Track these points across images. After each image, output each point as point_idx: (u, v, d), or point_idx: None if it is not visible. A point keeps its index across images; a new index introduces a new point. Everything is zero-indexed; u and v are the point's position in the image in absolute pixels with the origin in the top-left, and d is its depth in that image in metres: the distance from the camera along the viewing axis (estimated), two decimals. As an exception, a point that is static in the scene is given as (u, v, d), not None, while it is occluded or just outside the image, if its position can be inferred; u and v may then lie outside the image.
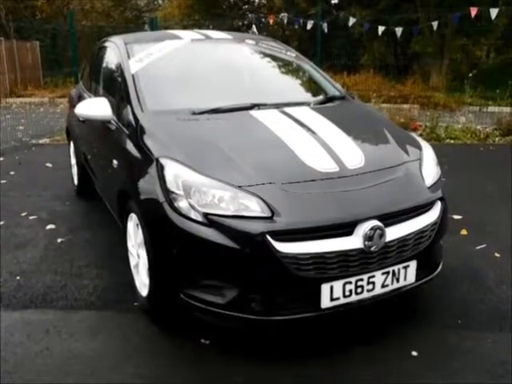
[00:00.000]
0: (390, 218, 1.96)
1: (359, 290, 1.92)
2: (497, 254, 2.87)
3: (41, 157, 5.63)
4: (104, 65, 3.33)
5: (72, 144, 4.16)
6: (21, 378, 1.88)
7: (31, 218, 3.58)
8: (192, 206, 1.90)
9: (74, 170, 4.14)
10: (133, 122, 2.44)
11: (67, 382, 1.85)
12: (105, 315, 2.30)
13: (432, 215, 2.11)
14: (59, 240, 3.17)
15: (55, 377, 1.88)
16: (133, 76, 2.65)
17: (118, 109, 2.63)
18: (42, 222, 3.48)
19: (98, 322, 2.24)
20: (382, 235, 1.89)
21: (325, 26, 9.92)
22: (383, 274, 1.96)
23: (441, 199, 2.18)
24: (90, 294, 2.49)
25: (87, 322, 2.24)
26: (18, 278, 2.67)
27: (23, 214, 3.64)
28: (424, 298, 2.40)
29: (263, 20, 14.40)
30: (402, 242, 1.98)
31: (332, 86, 3.06)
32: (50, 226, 3.40)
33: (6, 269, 2.78)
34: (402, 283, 2.02)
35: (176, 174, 1.99)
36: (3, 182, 4.57)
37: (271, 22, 12.34)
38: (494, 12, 8.83)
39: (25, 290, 2.53)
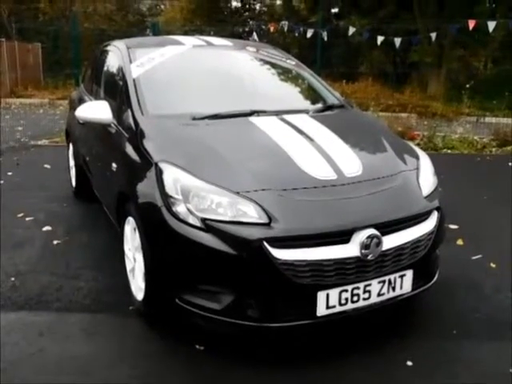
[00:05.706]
0: (387, 227, 1.97)
1: (355, 298, 1.93)
2: (492, 265, 2.88)
3: (39, 158, 5.61)
4: (106, 68, 3.35)
5: (71, 146, 4.17)
6: (16, 376, 1.87)
7: (28, 219, 3.57)
8: (190, 211, 1.91)
9: (73, 172, 4.14)
10: (133, 126, 2.45)
11: (61, 381, 1.84)
12: (100, 318, 2.29)
13: (428, 225, 2.13)
14: (55, 242, 3.16)
15: (48, 377, 1.87)
16: (134, 80, 2.66)
17: (118, 112, 2.64)
18: (39, 224, 3.47)
19: (93, 325, 2.23)
20: (379, 244, 1.90)
21: (325, 34, 10.01)
22: (379, 282, 1.96)
23: (437, 209, 2.19)
24: (85, 296, 2.48)
25: (82, 325, 2.23)
26: (13, 279, 2.65)
27: (20, 215, 3.63)
28: (419, 307, 2.41)
29: (264, 27, 14.49)
30: (399, 250, 1.99)
31: (331, 95, 3.08)
32: (47, 228, 3.39)
33: (2, 269, 2.76)
34: (398, 292, 2.03)
35: (175, 178, 2.00)
36: (1, 182, 4.56)
37: (272, 29, 12.43)
38: (491, 25, 8.92)
39: (20, 291, 2.53)
